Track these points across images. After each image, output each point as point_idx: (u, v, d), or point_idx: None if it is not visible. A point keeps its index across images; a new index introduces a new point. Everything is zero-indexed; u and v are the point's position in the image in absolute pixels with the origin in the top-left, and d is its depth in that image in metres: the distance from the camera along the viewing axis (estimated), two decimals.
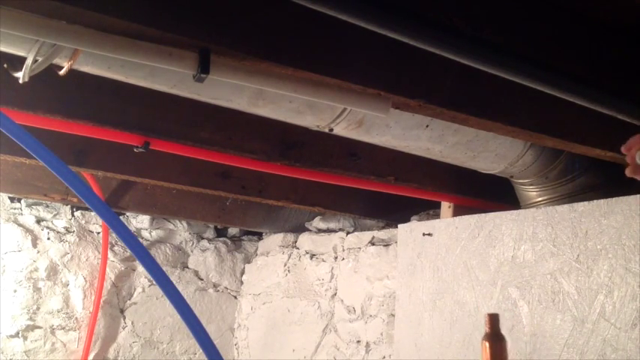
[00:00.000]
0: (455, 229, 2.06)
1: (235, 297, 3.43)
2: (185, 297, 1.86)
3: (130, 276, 3.16)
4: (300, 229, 3.18)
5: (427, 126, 1.61)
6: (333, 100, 1.34)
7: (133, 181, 2.51)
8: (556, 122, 1.42)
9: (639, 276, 1.54)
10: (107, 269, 3.05)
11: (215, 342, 1.88)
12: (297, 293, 3.03)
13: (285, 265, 3.15)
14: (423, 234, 2.18)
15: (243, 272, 3.46)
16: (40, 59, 1.13)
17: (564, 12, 1.33)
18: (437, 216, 2.44)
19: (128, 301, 3.15)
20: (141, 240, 3.18)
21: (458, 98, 1.32)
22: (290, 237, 3.21)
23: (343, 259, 2.83)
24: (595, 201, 1.67)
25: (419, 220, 2.54)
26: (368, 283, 2.65)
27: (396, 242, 2.41)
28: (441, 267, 2.09)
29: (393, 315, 2.35)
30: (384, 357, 2.52)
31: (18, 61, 1.19)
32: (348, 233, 2.87)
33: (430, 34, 1.03)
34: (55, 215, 3.02)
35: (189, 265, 3.35)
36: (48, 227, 3.00)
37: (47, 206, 3.01)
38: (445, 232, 2.10)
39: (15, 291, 2.86)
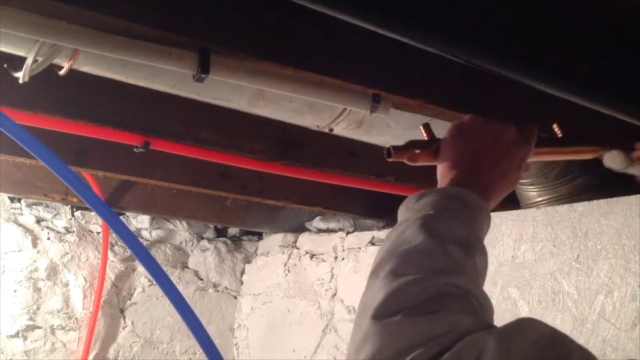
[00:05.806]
0: None
1: (235, 297, 3.42)
2: (185, 297, 1.86)
3: (130, 276, 3.16)
4: (300, 229, 3.18)
5: None
6: (333, 100, 1.34)
7: (133, 181, 2.51)
8: (556, 122, 1.41)
9: (639, 276, 1.54)
10: (107, 269, 3.05)
11: (215, 342, 1.88)
12: (297, 293, 3.03)
13: (285, 265, 3.15)
14: None
15: (243, 272, 3.46)
16: (40, 59, 1.13)
17: (563, 11, 1.33)
18: None
19: (128, 301, 3.15)
20: (141, 240, 3.18)
21: (458, 98, 1.32)
22: (290, 237, 3.20)
23: (343, 259, 2.82)
24: (595, 201, 1.67)
25: None
26: None
27: None
28: None
29: None
30: None
31: (18, 61, 1.19)
32: (348, 233, 2.87)
33: (430, 34, 1.03)
34: (55, 215, 3.02)
35: (189, 265, 3.35)
36: (48, 227, 2.99)
37: (47, 206, 3.00)
38: None
39: (15, 291, 2.85)
